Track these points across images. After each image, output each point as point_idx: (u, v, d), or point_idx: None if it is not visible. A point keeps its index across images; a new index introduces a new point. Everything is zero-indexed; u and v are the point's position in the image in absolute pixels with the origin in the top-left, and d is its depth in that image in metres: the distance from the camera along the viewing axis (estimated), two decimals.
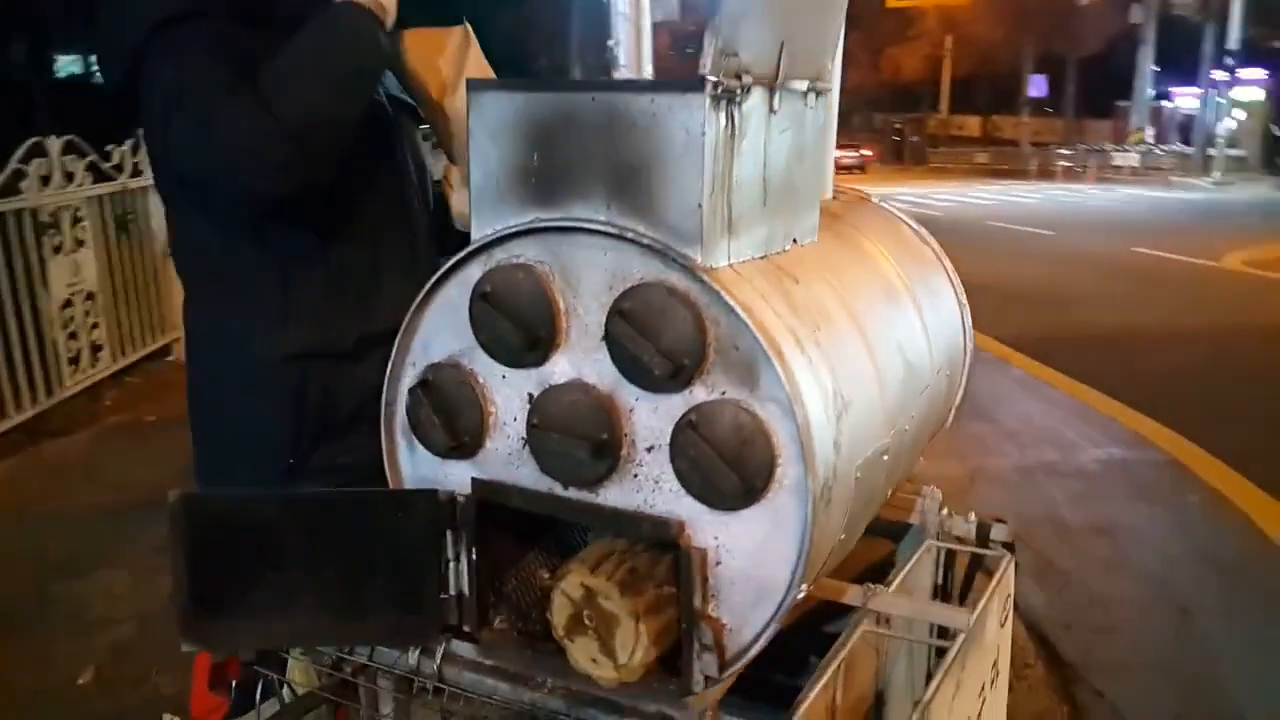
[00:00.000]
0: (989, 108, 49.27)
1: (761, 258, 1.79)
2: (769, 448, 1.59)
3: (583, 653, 1.73)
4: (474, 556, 1.87)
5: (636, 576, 1.70)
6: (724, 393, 1.62)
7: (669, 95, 1.58)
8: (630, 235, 1.63)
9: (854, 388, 1.80)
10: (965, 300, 2.61)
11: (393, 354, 1.90)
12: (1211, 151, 33.99)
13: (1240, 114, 35.94)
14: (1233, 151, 34.46)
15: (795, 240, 1.95)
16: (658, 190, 1.62)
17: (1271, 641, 4.02)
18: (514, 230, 1.73)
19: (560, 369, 1.74)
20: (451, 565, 1.89)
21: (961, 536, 2.71)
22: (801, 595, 1.65)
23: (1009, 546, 2.66)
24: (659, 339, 1.60)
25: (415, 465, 1.95)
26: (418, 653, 1.94)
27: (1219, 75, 34.16)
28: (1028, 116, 42.92)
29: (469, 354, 1.83)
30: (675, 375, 1.61)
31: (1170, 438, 6.42)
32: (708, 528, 1.67)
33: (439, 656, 1.92)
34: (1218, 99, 34.66)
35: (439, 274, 1.83)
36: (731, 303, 1.58)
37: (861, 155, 42.39)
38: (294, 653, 2.07)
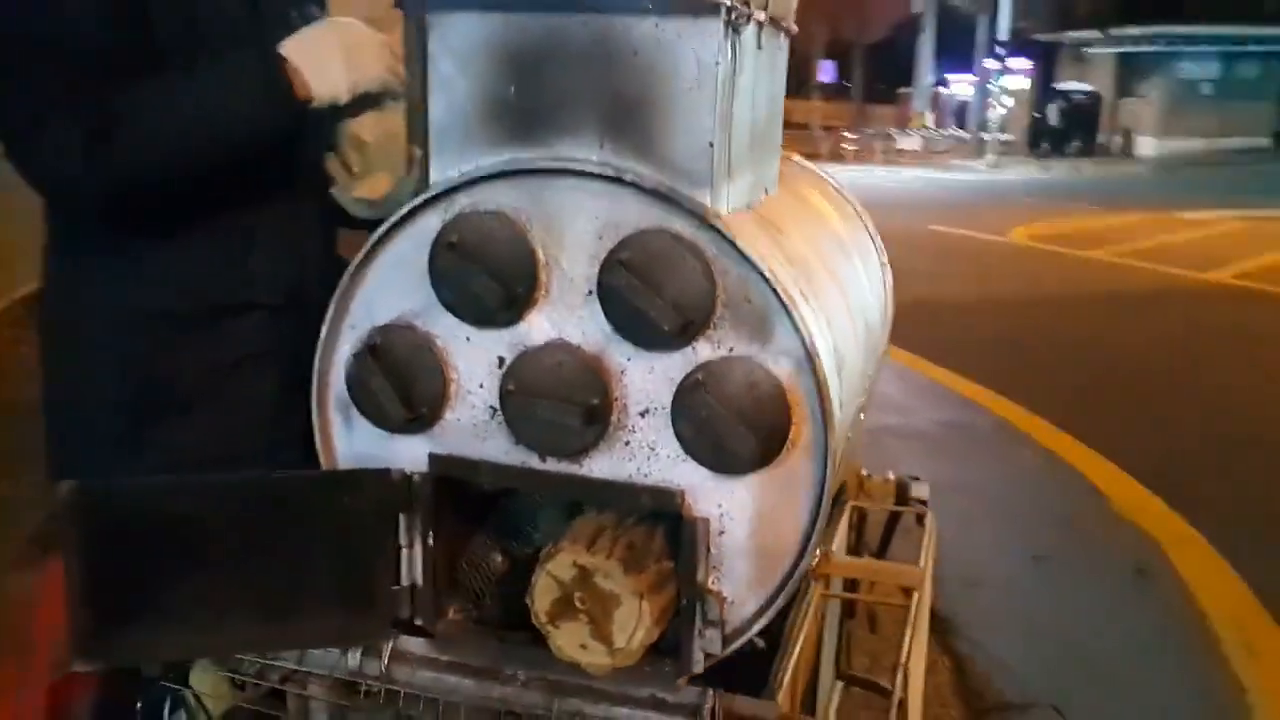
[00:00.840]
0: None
1: (746, 207, 1.67)
2: (784, 406, 1.48)
3: (569, 639, 1.57)
4: (430, 542, 1.66)
5: (636, 553, 1.55)
6: (731, 349, 1.49)
7: (679, 19, 1.42)
8: (630, 178, 1.46)
9: (844, 344, 1.72)
10: (887, 260, 2.58)
11: (327, 317, 1.66)
12: (985, 136, 36.36)
13: (1009, 101, 38.59)
14: (1003, 136, 36.98)
15: (765, 190, 1.83)
16: (662, 128, 1.46)
17: (1114, 582, 4.28)
18: (486, 173, 1.53)
19: (538, 329, 1.56)
20: (405, 553, 1.68)
21: (879, 495, 2.69)
22: (815, 563, 1.54)
23: (924, 503, 2.66)
24: (663, 292, 1.45)
25: (352, 443, 1.72)
26: (359, 653, 1.72)
27: (990, 64, 36.54)
28: (818, 100, 44.59)
29: (425, 314, 1.61)
30: (683, 330, 1.47)
31: (994, 400, 6.77)
32: (710, 495, 1.54)
33: (386, 655, 1.70)
34: (989, 86, 37.08)
35: (386, 226, 1.60)
36: (748, 252, 1.45)
37: None
38: (201, 661, 1.80)
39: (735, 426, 1.46)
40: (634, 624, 1.52)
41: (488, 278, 1.51)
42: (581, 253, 1.52)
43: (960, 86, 42.29)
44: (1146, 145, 36.12)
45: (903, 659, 1.88)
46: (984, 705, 3.33)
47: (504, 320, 1.56)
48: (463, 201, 1.56)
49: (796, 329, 1.46)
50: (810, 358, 1.46)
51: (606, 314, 1.51)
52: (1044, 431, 6.08)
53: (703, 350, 1.50)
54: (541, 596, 1.56)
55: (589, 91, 1.47)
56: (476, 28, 1.50)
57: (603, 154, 1.49)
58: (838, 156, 34.54)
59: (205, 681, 1.83)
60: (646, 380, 1.54)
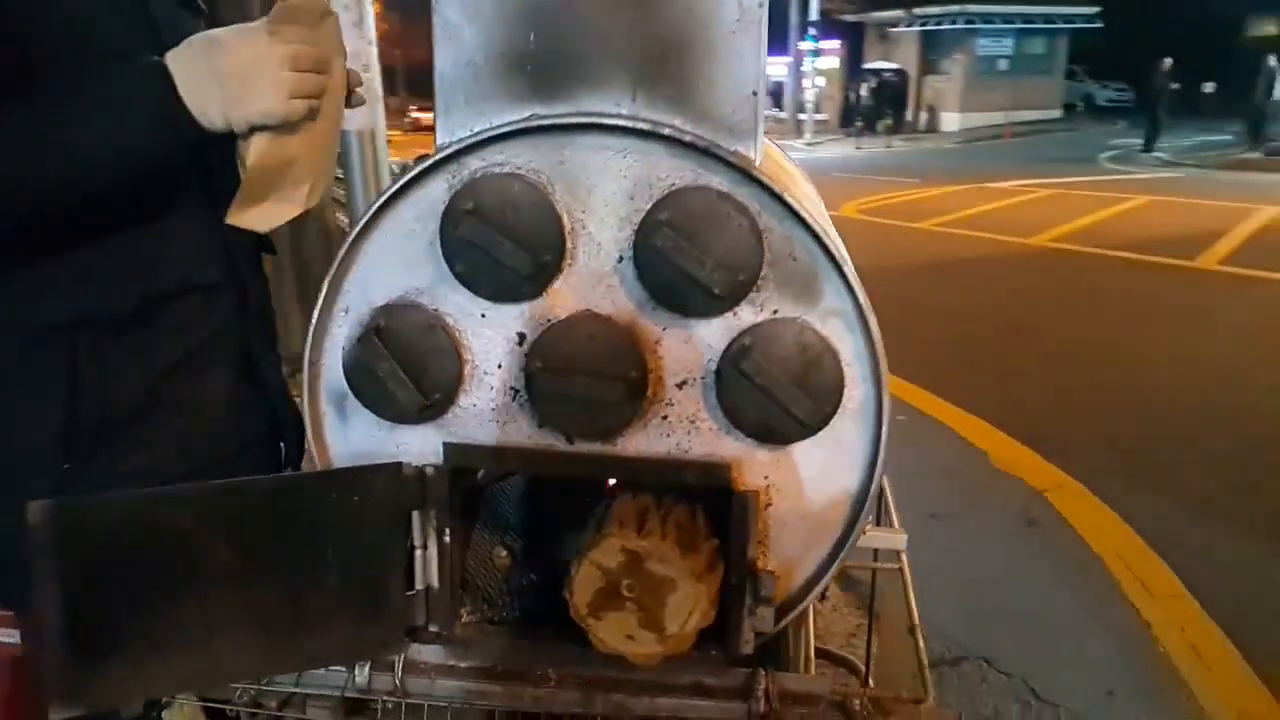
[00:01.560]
0: None
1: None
2: (838, 368, 1.41)
3: (613, 631, 1.46)
4: (446, 540, 1.52)
5: (685, 533, 1.45)
6: (776, 312, 1.42)
7: None
8: (668, 132, 1.36)
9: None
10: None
11: (317, 301, 1.49)
12: (801, 116, 37.50)
13: (821, 81, 39.88)
14: (818, 115, 38.22)
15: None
16: (701, 76, 1.36)
17: (1009, 533, 4.46)
18: (502, 131, 1.39)
19: (563, 300, 1.44)
20: (419, 554, 1.53)
21: None
22: (867, 531, 1.49)
23: None
24: (710, 253, 1.36)
25: (349, 439, 1.55)
26: (366, 668, 1.56)
27: (804, 46, 37.67)
28: None
29: (433, 291, 1.47)
30: (733, 292, 1.38)
31: None
32: (757, 467, 1.47)
33: (400, 667, 1.55)
34: (803, 68, 38.23)
35: (383, 196, 1.45)
36: (796, 207, 1.37)
37: None
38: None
39: (793, 391, 1.39)
40: (690, 608, 1.43)
41: (513, 245, 1.38)
42: (611, 216, 1.41)
43: (776, 68, 43.43)
44: (950, 120, 38.05)
45: (916, 620, 1.87)
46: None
47: (526, 293, 1.44)
48: (474, 164, 1.42)
49: (848, 286, 1.40)
50: (863, 316, 1.40)
51: (644, 280, 1.41)
52: (914, 394, 6.29)
53: (745, 314, 1.42)
54: (583, 588, 1.45)
55: (619, 36, 1.36)
56: None
57: (635, 106, 1.38)
58: None
59: (178, 714, 1.63)
60: (684, 350, 1.44)
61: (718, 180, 1.38)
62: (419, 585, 1.54)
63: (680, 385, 1.45)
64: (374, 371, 1.45)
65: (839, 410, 1.43)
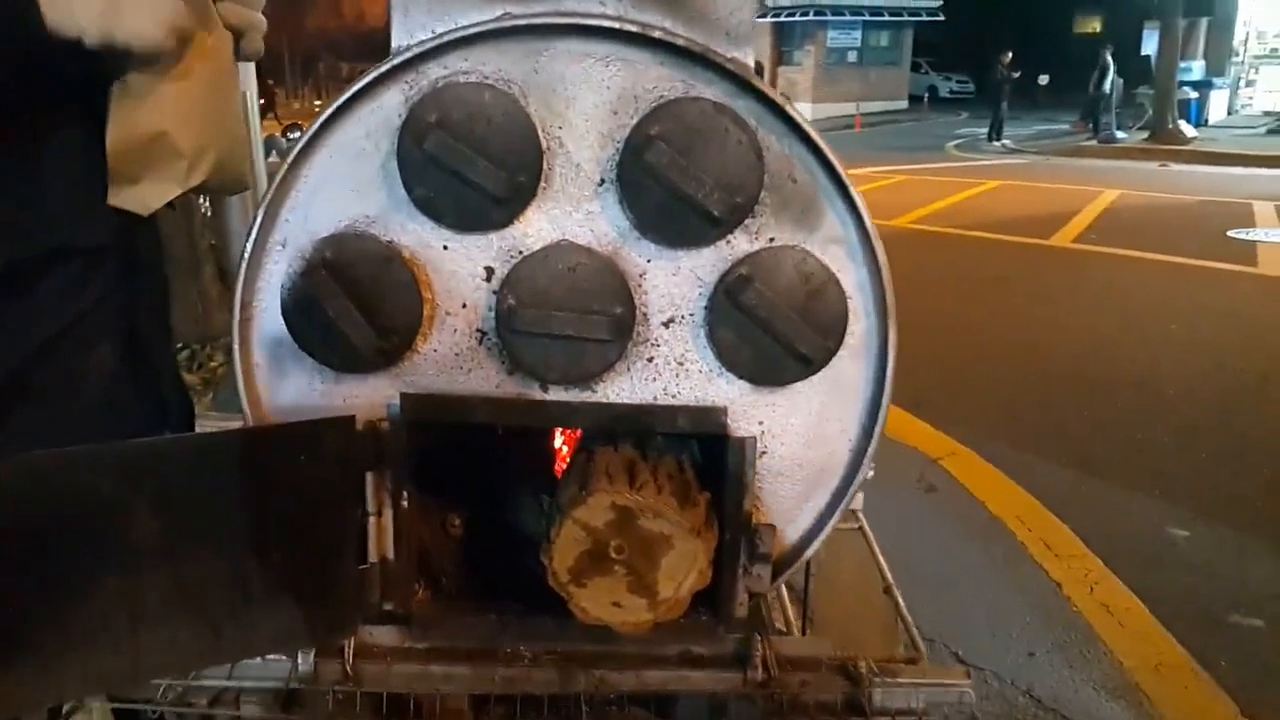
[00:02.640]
0: None
1: None
2: (842, 300, 1.30)
3: (598, 599, 1.32)
4: (405, 504, 1.35)
5: (681, 486, 1.32)
6: (773, 239, 1.30)
7: None
8: (659, 35, 1.22)
9: None
10: None
11: (250, 232, 1.29)
12: None
13: None
14: None
15: None
16: None
17: (912, 500, 4.48)
18: (468, 33, 1.23)
19: (537, 229, 1.29)
20: (372, 522, 1.35)
21: None
22: (871, 475, 1.39)
23: None
24: (707, 172, 1.23)
25: (287, 393, 1.36)
26: (311, 655, 1.37)
27: None
28: None
29: (387, 219, 1.29)
30: (732, 216, 1.25)
31: None
32: (751, 412, 1.35)
33: (349, 653, 1.37)
34: None
35: (328, 112, 1.26)
36: (799, 121, 1.25)
37: None
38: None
39: (796, 324, 1.27)
40: (687, 568, 1.30)
41: (486, 163, 1.22)
42: (591, 132, 1.26)
43: None
44: (803, 111, 38.68)
45: (891, 580, 1.80)
46: None
47: (496, 221, 1.27)
48: (435, 72, 1.25)
49: (852, 210, 1.29)
50: (868, 241, 1.30)
51: (629, 205, 1.26)
52: None
53: (740, 243, 1.29)
54: (564, 551, 1.30)
55: None
56: None
57: (621, 6, 1.23)
58: None
59: (93, 714, 1.41)
60: (671, 284, 1.31)
61: (712, 92, 1.25)
62: (372, 558, 1.36)
63: (667, 323, 1.32)
64: (321, 310, 1.26)
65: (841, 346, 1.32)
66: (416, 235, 1.29)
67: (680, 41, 1.22)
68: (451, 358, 1.32)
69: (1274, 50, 21.02)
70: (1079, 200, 12.73)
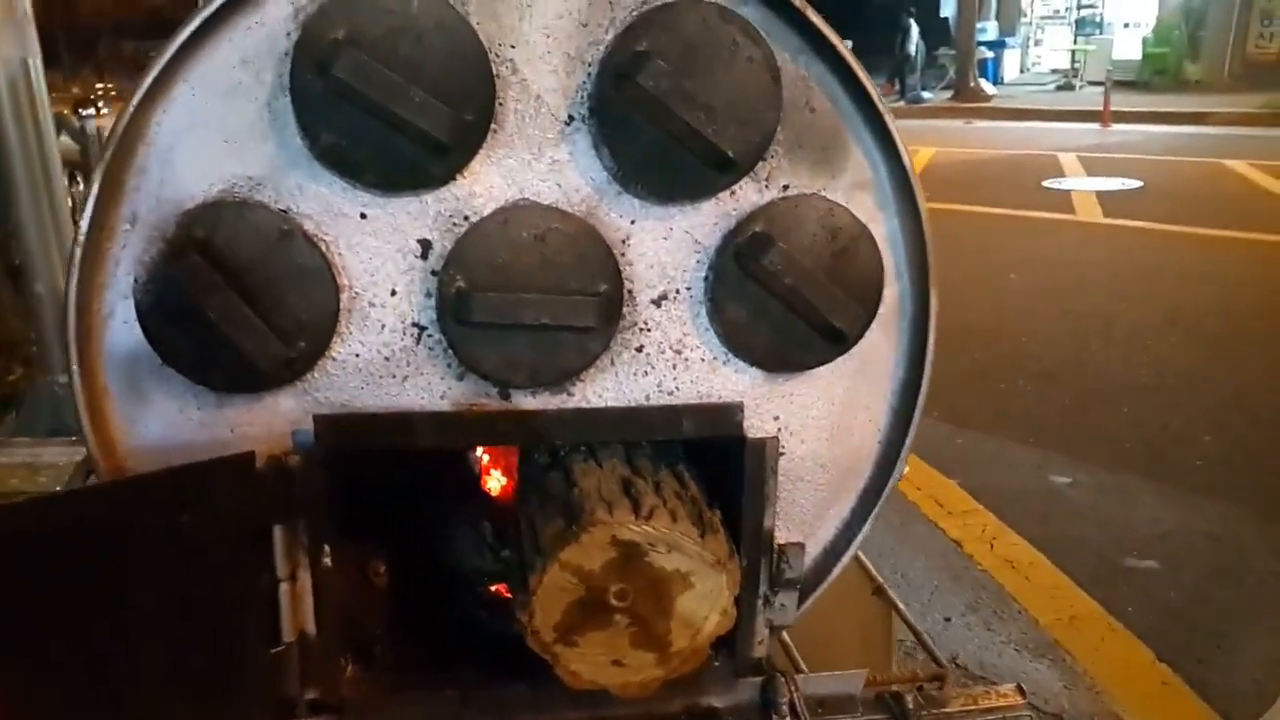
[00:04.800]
0: None
1: None
2: (876, 258, 1.04)
3: (594, 658, 1.03)
4: (326, 563, 1.01)
5: (689, 506, 1.03)
6: (787, 187, 1.03)
7: None
8: None
9: None
10: None
11: (85, 205, 0.92)
12: None
13: None
14: None
15: None
16: None
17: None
18: None
19: (487, 186, 0.97)
20: (284, 590, 1.00)
21: None
22: (905, 472, 1.14)
23: None
24: (715, 98, 0.94)
25: (147, 424, 0.99)
26: None
27: None
28: None
29: (278, 179, 0.94)
30: (746, 156, 0.97)
31: None
32: (764, 405, 1.08)
33: None
34: None
35: (186, 31, 0.90)
36: (821, 29, 0.98)
37: None
38: None
39: (830, 292, 1.00)
40: (709, 608, 1.02)
41: (420, 94, 0.89)
42: (555, 52, 0.95)
43: None
44: None
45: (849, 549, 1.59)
46: None
47: (433, 175, 0.95)
48: None
49: (887, 144, 1.03)
50: (905, 183, 1.04)
51: (611, 148, 0.96)
52: None
53: (747, 193, 1.02)
54: (549, 604, 0.99)
55: None
56: None
57: None
58: None
59: None
60: (662, 250, 1.02)
61: None
62: (287, 636, 1.01)
63: (658, 301, 1.03)
64: (196, 310, 0.90)
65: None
66: (322, 200, 0.95)
67: None
68: (379, 363, 0.99)
69: (1056, 11, 22.27)
70: None
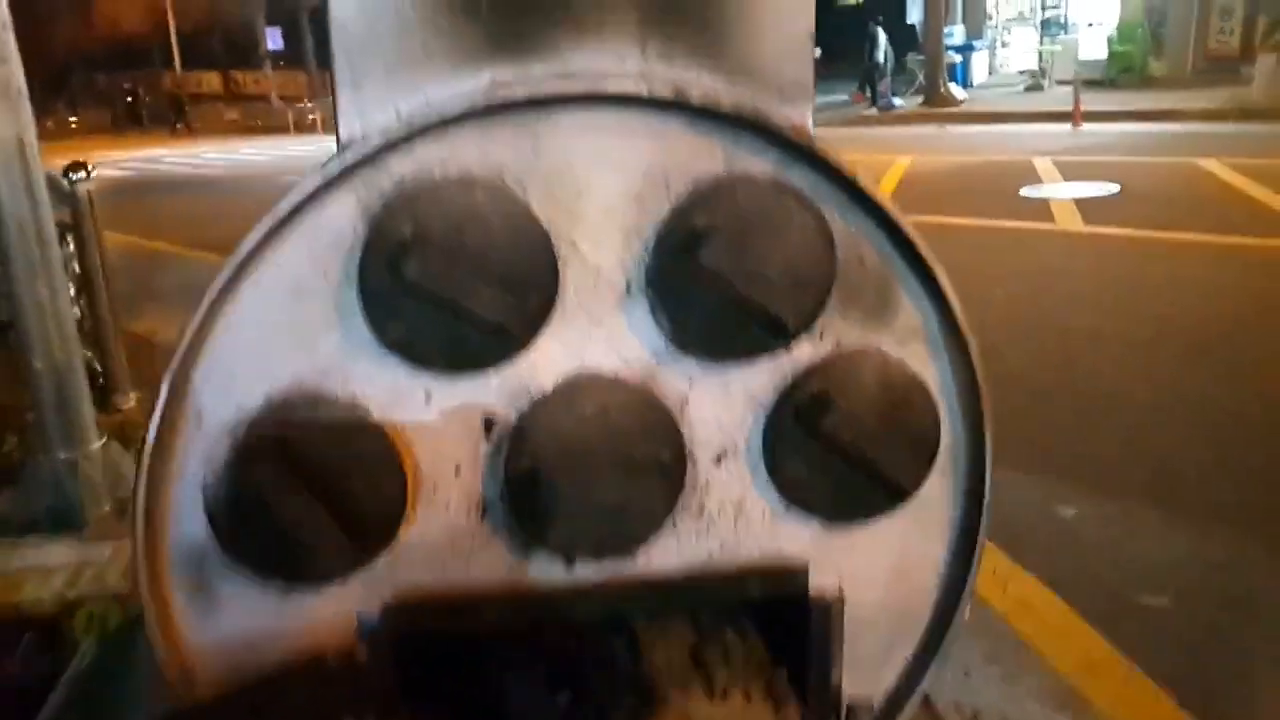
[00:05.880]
0: (228, 62, 47.06)
1: None
2: (931, 408, 1.05)
3: None
4: None
5: (762, 671, 1.03)
6: (839, 340, 1.03)
7: None
8: (700, 99, 0.92)
9: None
10: None
11: (154, 410, 0.91)
12: None
13: None
14: None
15: None
16: (740, 11, 0.93)
17: None
18: (447, 115, 0.89)
19: (548, 359, 0.97)
20: None
21: None
22: (968, 615, 1.15)
23: None
24: (771, 267, 0.95)
25: (217, 623, 0.98)
26: None
27: None
28: (270, 71, 41.89)
29: (345, 369, 0.94)
30: (805, 321, 0.98)
31: None
32: (827, 557, 1.08)
33: None
34: None
35: (256, 236, 0.90)
36: (867, 190, 0.99)
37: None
38: None
39: (889, 448, 1.01)
40: None
41: (488, 290, 0.89)
42: (612, 228, 0.96)
43: None
44: None
45: None
46: None
47: (497, 356, 0.94)
48: (402, 167, 0.90)
49: (934, 291, 1.03)
50: (954, 330, 1.05)
51: (668, 315, 0.96)
52: None
53: (802, 349, 1.02)
54: None
55: None
56: None
57: (645, 63, 0.93)
58: (304, 128, 32.91)
59: None
60: (720, 409, 1.02)
61: (760, 163, 0.97)
62: None
63: (718, 459, 1.03)
64: (267, 513, 0.90)
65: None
66: (388, 385, 0.94)
67: (727, 107, 0.93)
68: (445, 543, 0.99)
69: (1021, 13, 22.49)
70: (876, 170, 13.10)
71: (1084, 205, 9.30)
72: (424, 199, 0.88)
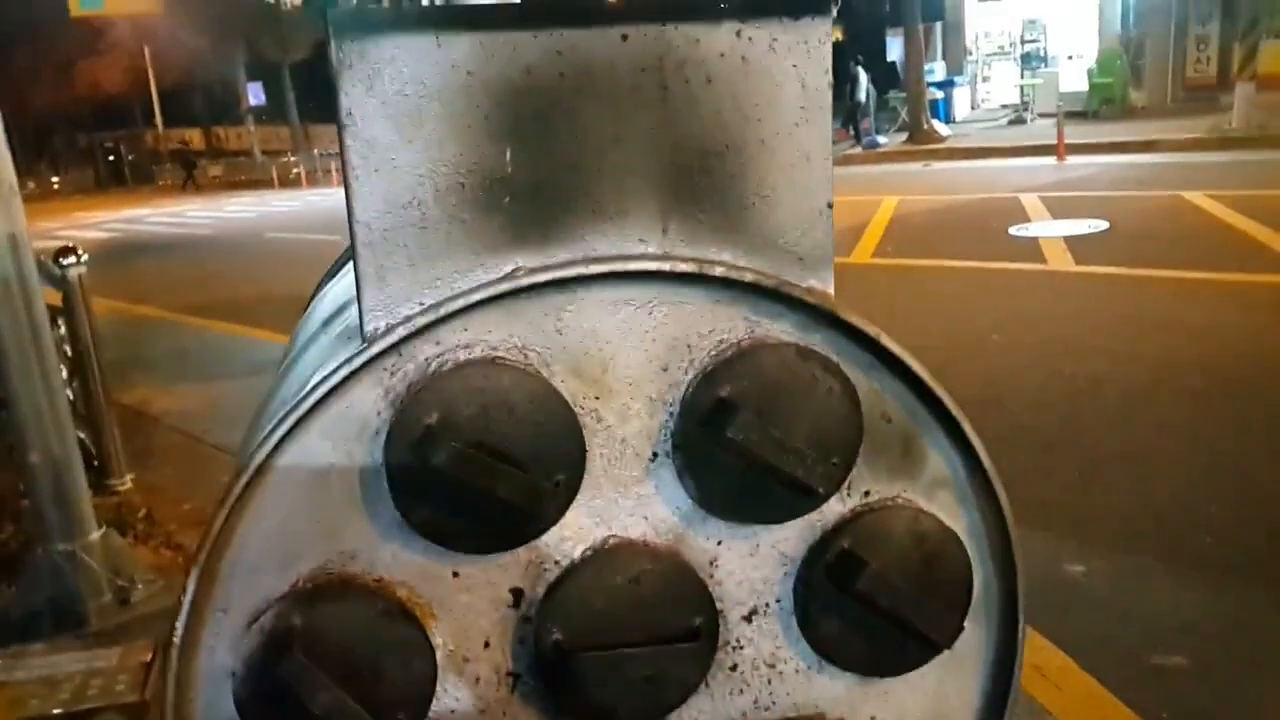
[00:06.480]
0: (210, 119, 47.33)
1: None
2: (963, 559, 1.05)
3: None
4: None
5: None
6: (868, 494, 1.03)
7: (772, 23, 0.91)
8: (723, 272, 0.93)
9: None
10: None
11: (180, 608, 0.91)
12: None
13: None
14: None
15: None
16: (757, 188, 0.94)
17: None
18: (470, 300, 0.89)
19: (576, 529, 0.97)
20: None
21: None
22: None
23: None
24: (797, 436, 0.95)
25: None
26: None
27: None
28: (253, 126, 42.19)
29: (372, 552, 0.93)
30: (832, 485, 0.98)
31: None
32: (861, 709, 1.07)
33: None
34: None
35: (283, 426, 0.90)
36: (890, 349, 0.99)
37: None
38: None
39: (923, 606, 1.00)
40: None
41: (516, 473, 0.89)
42: (637, 398, 0.96)
43: None
44: None
45: None
46: None
47: (526, 535, 0.94)
48: (424, 351, 0.91)
49: (961, 442, 1.04)
50: (981, 477, 1.05)
51: (696, 482, 0.96)
52: None
53: (831, 504, 1.02)
54: None
55: (638, 147, 0.91)
56: (432, 62, 0.85)
57: (667, 241, 0.94)
58: (289, 182, 33.08)
59: None
60: (749, 567, 1.02)
61: (781, 329, 0.97)
62: None
63: (749, 617, 1.03)
64: (300, 707, 0.89)
65: None
66: (416, 566, 0.94)
67: (749, 277, 0.93)
68: (475, 716, 0.98)
69: (1001, 47, 22.79)
70: (864, 211, 13.22)
71: (1074, 244, 9.37)
72: (448, 381, 0.88)
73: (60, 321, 4.85)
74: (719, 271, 0.92)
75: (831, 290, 0.97)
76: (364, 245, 0.87)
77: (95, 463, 4.83)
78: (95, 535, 3.71)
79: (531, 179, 0.89)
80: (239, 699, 0.90)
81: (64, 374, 4.37)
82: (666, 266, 0.91)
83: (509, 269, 0.90)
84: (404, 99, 0.85)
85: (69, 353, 4.88)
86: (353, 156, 0.85)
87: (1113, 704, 3.13)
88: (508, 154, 0.87)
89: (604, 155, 0.89)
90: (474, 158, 0.87)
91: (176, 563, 4.01)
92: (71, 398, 4.42)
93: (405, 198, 0.87)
